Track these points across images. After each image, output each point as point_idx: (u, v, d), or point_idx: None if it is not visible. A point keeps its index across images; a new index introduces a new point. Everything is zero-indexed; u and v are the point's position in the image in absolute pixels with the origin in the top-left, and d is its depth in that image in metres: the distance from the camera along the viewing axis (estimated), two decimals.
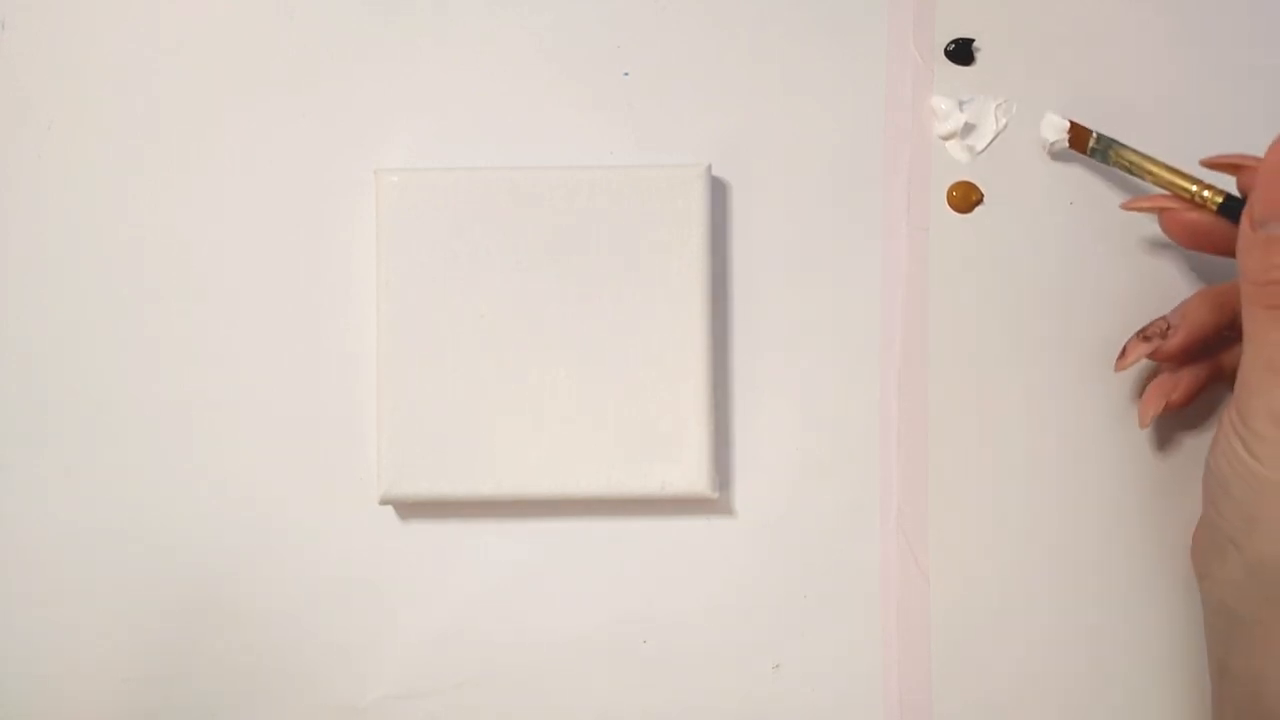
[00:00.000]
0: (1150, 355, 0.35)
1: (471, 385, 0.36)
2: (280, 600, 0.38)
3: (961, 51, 0.37)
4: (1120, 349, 0.36)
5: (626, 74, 0.38)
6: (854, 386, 0.38)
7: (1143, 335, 0.35)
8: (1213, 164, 0.33)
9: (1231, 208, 0.32)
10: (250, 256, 0.38)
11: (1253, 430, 0.30)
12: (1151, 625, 0.37)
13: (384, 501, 0.36)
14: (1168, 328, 0.35)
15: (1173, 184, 0.34)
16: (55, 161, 0.38)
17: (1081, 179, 0.37)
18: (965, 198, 0.37)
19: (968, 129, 0.37)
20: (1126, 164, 0.35)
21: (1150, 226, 0.37)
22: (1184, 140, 0.37)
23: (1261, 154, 0.30)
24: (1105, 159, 0.35)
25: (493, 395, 0.36)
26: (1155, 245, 0.37)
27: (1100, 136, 0.35)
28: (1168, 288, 0.37)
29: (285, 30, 0.38)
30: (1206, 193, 0.33)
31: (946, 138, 0.38)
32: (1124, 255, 0.37)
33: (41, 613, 0.38)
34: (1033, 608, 0.38)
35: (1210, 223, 0.33)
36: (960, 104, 0.37)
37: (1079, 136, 0.36)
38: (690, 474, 0.36)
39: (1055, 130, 0.36)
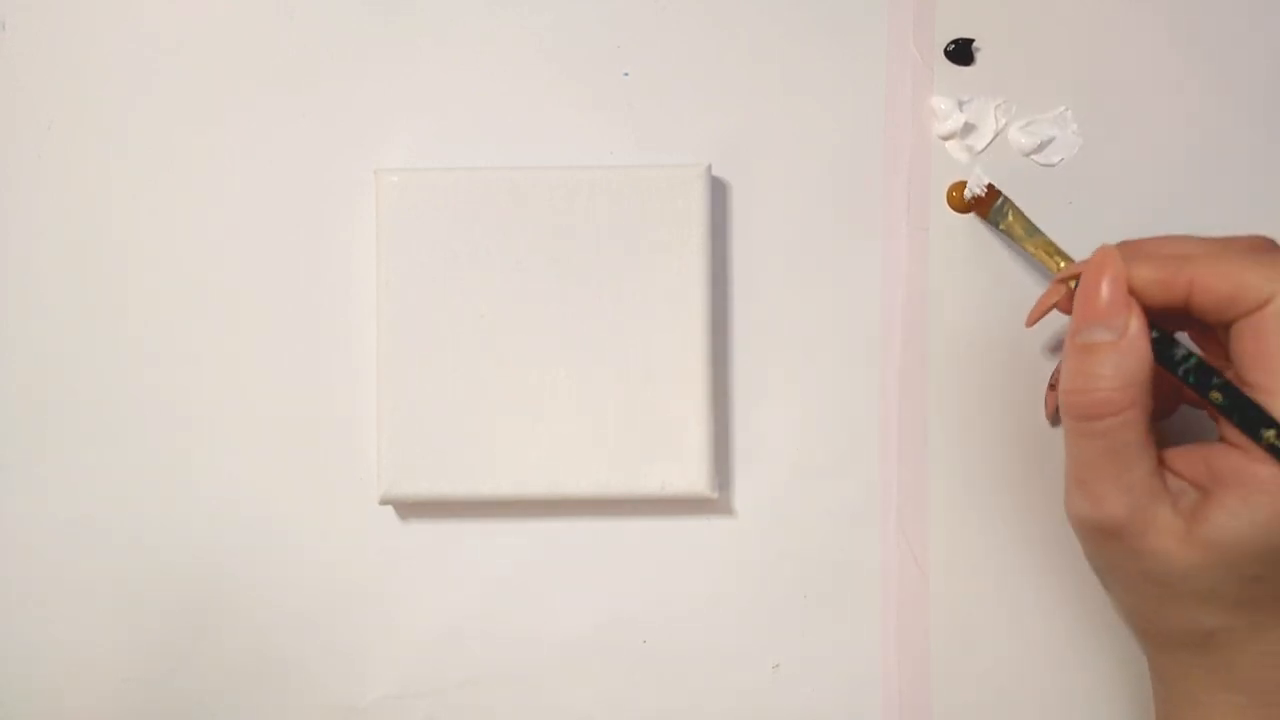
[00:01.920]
0: (1048, 417, 0.36)
1: (471, 385, 0.36)
2: (280, 600, 0.38)
3: (961, 51, 0.37)
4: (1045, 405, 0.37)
5: (626, 74, 0.38)
6: (854, 386, 0.38)
7: (1051, 384, 0.37)
8: (1064, 277, 0.32)
9: None
10: (250, 256, 0.38)
11: (1075, 532, 0.31)
12: None
13: (384, 501, 0.36)
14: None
15: (1045, 260, 0.34)
16: (55, 161, 0.38)
17: (1081, 179, 0.37)
18: (965, 198, 0.37)
19: (968, 129, 0.37)
20: (1012, 234, 0.35)
21: (1149, 227, 0.37)
22: (1184, 140, 0.37)
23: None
24: (997, 223, 0.36)
25: (493, 395, 0.36)
26: None
27: (1004, 202, 0.36)
28: None
29: (285, 30, 0.38)
30: (1074, 283, 0.31)
31: (946, 138, 0.38)
32: None
33: (41, 613, 0.38)
34: (1032, 607, 0.38)
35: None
36: (960, 104, 0.37)
37: (988, 199, 0.36)
38: (690, 474, 0.36)
39: (978, 185, 0.37)
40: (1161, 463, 0.29)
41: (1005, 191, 0.36)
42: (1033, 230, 0.35)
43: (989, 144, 0.37)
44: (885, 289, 0.38)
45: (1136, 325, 0.28)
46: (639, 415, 0.36)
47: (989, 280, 0.38)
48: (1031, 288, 0.37)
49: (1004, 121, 0.37)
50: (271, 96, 0.38)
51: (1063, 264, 0.34)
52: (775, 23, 0.38)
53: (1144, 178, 0.37)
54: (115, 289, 0.38)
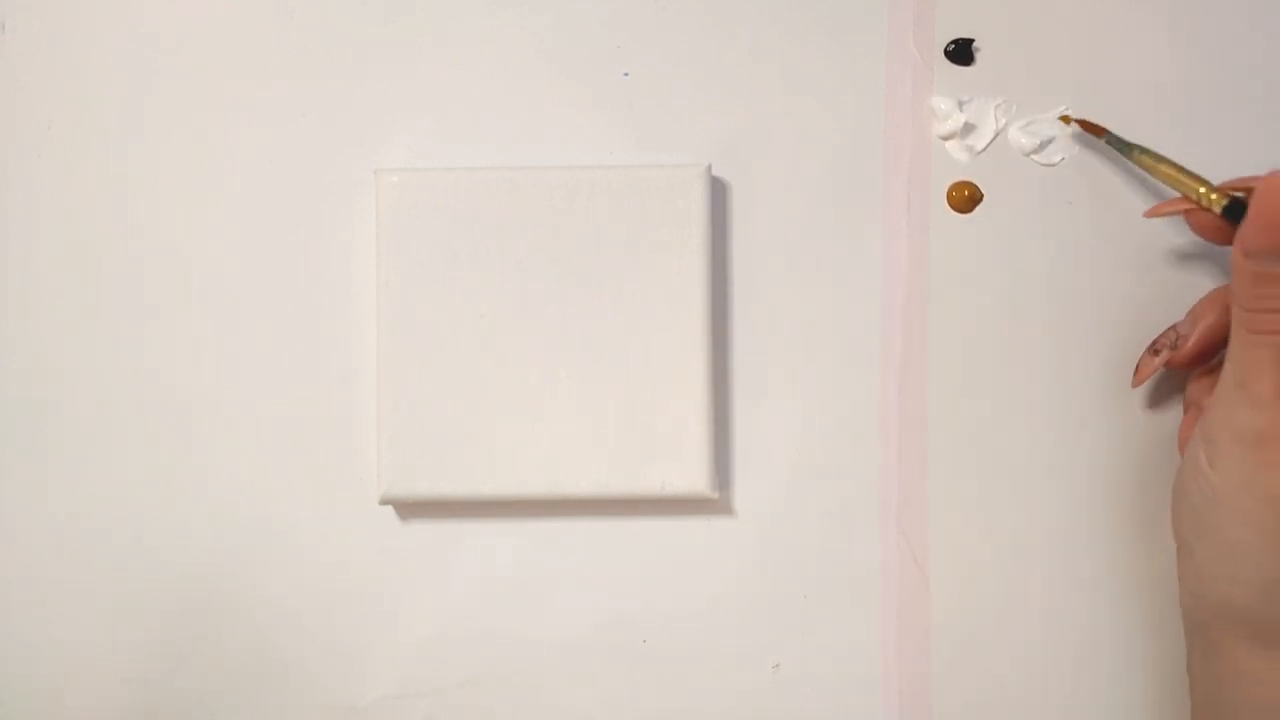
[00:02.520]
0: (1167, 365, 0.35)
1: (471, 385, 0.36)
2: (280, 600, 0.38)
3: (961, 51, 0.37)
4: (1135, 368, 0.36)
5: (626, 74, 0.38)
6: (854, 386, 0.38)
7: (1153, 349, 0.36)
8: (1227, 187, 0.32)
9: (1235, 211, 0.32)
10: (250, 256, 0.38)
11: (1214, 442, 0.30)
12: (1151, 626, 0.37)
13: (384, 501, 0.36)
14: (1177, 337, 0.35)
15: (1179, 183, 0.34)
16: (55, 161, 0.38)
17: (1081, 179, 0.37)
18: (965, 198, 0.37)
19: (968, 129, 0.37)
20: (1139, 162, 0.35)
21: (1149, 226, 0.37)
22: (1184, 140, 0.37)
23: (1260, 158, 0.30)
24: (1125, 153, 0.36)
25: (493, 395, 0.36)
26: (1154, 245, 0.37)
27: (1113, 135, 0.36)
28: (1167, 287, 0.37)
29: (285, 30, 0.38)
30: (1214, 195, 0.32)
31: (946, 138, 0.37)
32: (1123, 255, 0.37)
33: (41, 613, 0.38)
34: (1032, 608, 0.38)
35: (1226, 225, 0.33)
36: (960, 104, 0.37)
37: (1094, 129, 0.36)
38: (690, 474, 0.36)
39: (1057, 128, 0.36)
40: None
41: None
42: (1159, 157, 0.35)
43: (989, 144, 0.37)
44: (885, 289, 0.38)
45: None
46: (639, 415, 0.36)
47: (989, 280, 0.38)
48: (1031, 288, 0.37)
49: (1004, 121, 0.37)
50: (271, 96, 0.38)
51: (1201, 188, 0.33)
52: (775, 23, 0.38)
53: (1144, 178, 0.37)
54: (115, 289, 0.38)
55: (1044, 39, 0.37)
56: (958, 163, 0.38)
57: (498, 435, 0.36)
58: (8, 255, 0.38)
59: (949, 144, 0.38)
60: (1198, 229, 0.34)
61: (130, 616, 0.38)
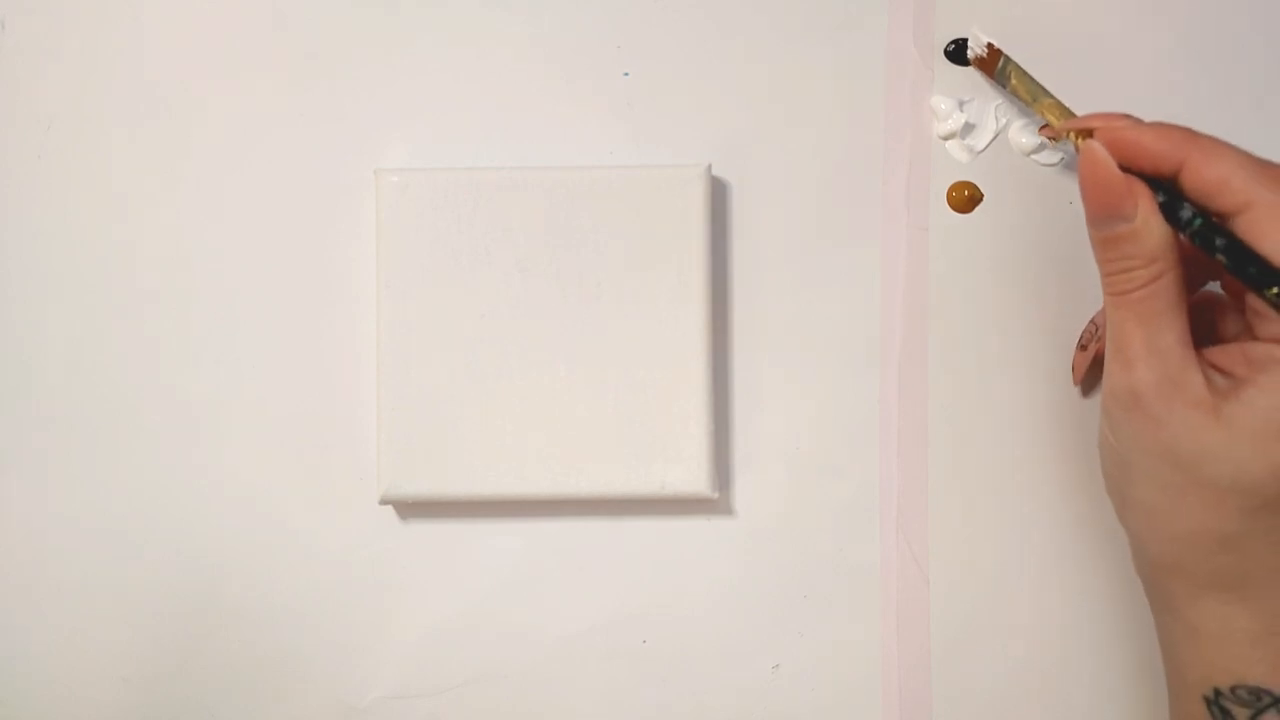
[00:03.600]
0: (1096, 356, 0.35)
1: (471, 385, 0.36)
2: (280, 600, 0.38)
3: (961, 52, 0.37)
4: (1071, 366, 0.37)
5: (626, 74, 0.38)
6: (854, 386, 0.38)
7: (1080, 345, 0.37)
8: (1065, 128, 0.33)
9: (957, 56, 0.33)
10: (250, 256, 0.38)
11: (1107, 411, 0.31)
12: (1152, 626, 0.37)
13: (384, 501, 0.36)
14: (1096, 328, 0.36)
15: (1054, 120, 0.34)
16: (55, 161, 0.38)
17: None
18: (965, 198, 0.37)
19: (968, 129, 0.37)
20: (1018, 95, 0.35)
21: None
22: None
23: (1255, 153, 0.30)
24: (1004, 82, 0.36)
25: (493, 395, 0.36)
26: None
27: (1006, 62, 0.36)
28: None
29: (285, 30, 0.38)
30: (1080, 141, 0.32)
31: (946, 138, 0.38)
32: None
33: (42, 612, 0.38)
34: (1032, 608, 0.38)
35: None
36: (960, 104, 0.37)
37: (990, 58, 0.36)
38: (690, 474, 0.36)
39: (978, 45, 0.37)
40: (1201, 358, 0.29)
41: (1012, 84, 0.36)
42: (1039, 92, 0.35)
43: (989, 144, 0.37)
44: (885, 289, 0.38)
45: (1145, 206, 0.29)
46: (639, 415, 0.36)
47: (989, 280, 0.38)
48: (1031, 288, 0.37)
49: (1004, 121, 0.37)
50: (271, 96, 0.38)
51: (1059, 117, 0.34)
52: (775, 23, 0.38)
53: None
54: (114, 289, 0.38)
55: (1044, 39, 0.37)
56: (958, 163, 0.38)
57: (498, 435, 0.36)
58: (8, 255, 0.38)
59: (949, 144, 0.38)
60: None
61: (130, 616, 0.38)
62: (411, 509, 0.38)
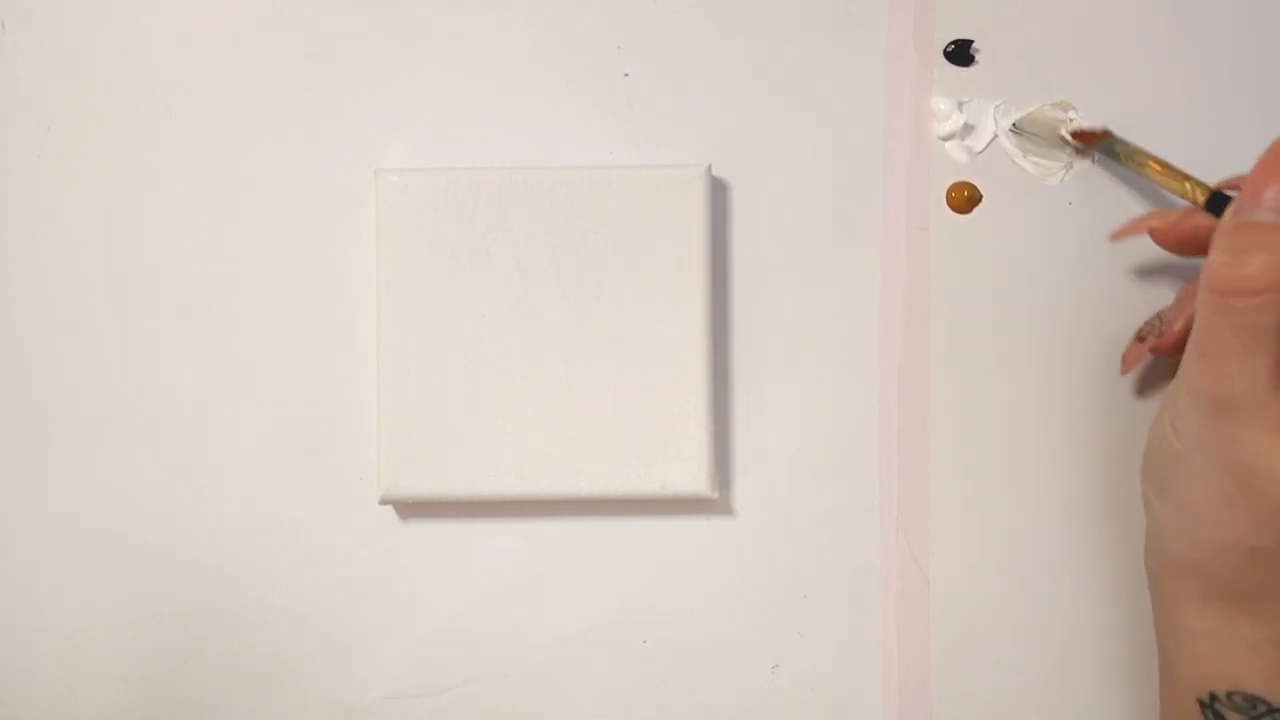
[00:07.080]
0: (1151, 350, 0.35)
1: (471, 385, 0.36)
2: (280, 600, 0.38)
3: (961, 52, 0.37)
4: (1121, 356, 0.37)
5: (626, 74, 0.38)
6: (854, 386, 0.38)
7: (1139, 337, 0.36)
8: (1224, 185, 0.33)
9: (1216, 205, 0.32)
10: (250, 256, 0.38)
11: (1176, 405, 0.30)
12: (1152, 626, 0.37)
13: (384, 501, 0.36)
14: (1162, 323, 0.35)
15: (1166, 181, 0.34)
16: (55, 161, 0.38)
17: (1080, 179, 0.37)
18: (965, 198, 0.37)
19: (967, 129, 0.37)
20: (1126, 157, 0.35)
21: None
22: (1183, 139, 0.37)
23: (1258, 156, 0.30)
24: (1113, 155, 0.36)
25: (493, 395, 0.36)
26: (1153, 245, 0.37)
27: (1110, 134, 0.36)
28: (1166, 286, 0.37)
29: (285, 30, 0.38)
30: (1197, 190, 0.33)
31: (946, 138, 0.38)
32: (1123, 255, 0.37)
33: (42, 613, 0.38)
34: (1033, 608, 0.38)
35: (1200, 229, 0.33)
36: (959, 104, 0.37)
37: (1089, 137, 0.36)
38: (690, 474, 0.36)
39: (1089, 124, 0.36)
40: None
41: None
42: (1147, 154, 0.35)
43: (988, 144, 0.37)
44: (885, 289, 0.38)
45: None
46: (639, 415, 0.36)
47: (989, 280, 0.38)
48: (1031, 288, 0.37)
49: (1004, 122, 0.37)
50: (271, 96, 0.38)
51: (1189, 186, 0.33)
52: (775, 23, 0.38)
53: (1143, 177, 0.37)
54: (115, 289, 0.38)
55: (1044, 39, 0.37)
56: (957, 163, 0.38)
57: (498, 435, 0.36)
58: (7, 255, 0.38)
59: (948, 144, 0.38)
60: (1163, 244, 0.34)
61: (130, 616, 0.38)
62: (411, 509, 0.38)
